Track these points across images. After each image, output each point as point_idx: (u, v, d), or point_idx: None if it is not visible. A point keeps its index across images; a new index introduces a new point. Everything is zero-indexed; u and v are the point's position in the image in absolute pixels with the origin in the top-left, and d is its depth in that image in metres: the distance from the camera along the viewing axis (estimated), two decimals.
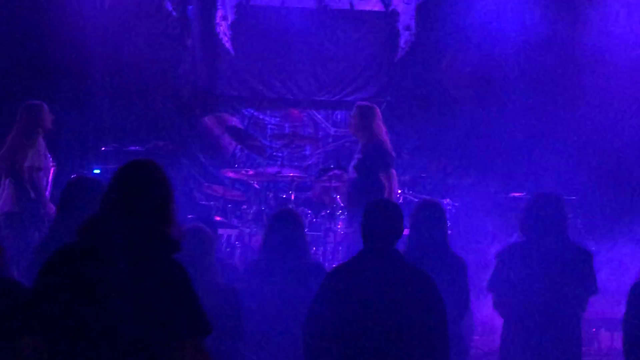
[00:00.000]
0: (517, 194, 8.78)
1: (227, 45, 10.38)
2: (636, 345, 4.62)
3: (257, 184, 8.91)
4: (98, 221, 3.17)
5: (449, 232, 7.18)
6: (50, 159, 7.53)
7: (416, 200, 8.47)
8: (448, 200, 8.65)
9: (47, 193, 7.38)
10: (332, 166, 9.76)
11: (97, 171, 8.43)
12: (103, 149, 8.98)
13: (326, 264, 7.99)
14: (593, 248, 8.93)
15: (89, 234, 3.16)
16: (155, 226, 3.17)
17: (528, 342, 5.11)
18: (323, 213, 8.69)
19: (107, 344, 3.05)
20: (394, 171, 7.55)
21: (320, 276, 4.72)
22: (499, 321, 5.48)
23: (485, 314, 6.55)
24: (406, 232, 4.90)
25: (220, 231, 8.07)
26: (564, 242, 5.21)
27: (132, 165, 3.28)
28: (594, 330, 7.23)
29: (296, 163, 10.27)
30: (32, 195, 7.19)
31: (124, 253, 3.10)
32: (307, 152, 10.62)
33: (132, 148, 8.96)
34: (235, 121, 10.48)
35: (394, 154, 7.64)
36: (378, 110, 7.72)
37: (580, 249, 5.30)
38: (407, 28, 10.55)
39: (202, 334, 3.21)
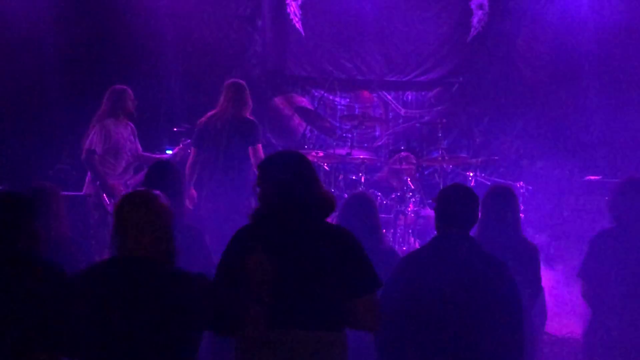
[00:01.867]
0: (593, 177, 8.58)
1: (298, 25, 10.35)
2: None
3: (327, 165, 8.88)
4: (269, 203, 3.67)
5: (522, 216, 7.08)
6: (136, 143, 7.62)
7: (489, 183, 8.35)
8: (521, 183, 8.49)
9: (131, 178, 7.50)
10: (402, 148, 9.69)
11: (169, 152, 8.50)
12: (175, 129, 9.06)
13: (396, 247, 7.94)
14: None
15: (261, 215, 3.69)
16: (316, 195, 3.69)
17: (618, 334, 4.97)
18: (393, 195, 8.63)
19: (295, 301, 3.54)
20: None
21: (394, 261, 4.70)
22: (573, 306, 5.37)
23: (560, 299, 6.43)
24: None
25: None
26: None
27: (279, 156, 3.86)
28: None
29: (366, 144, 10.21)
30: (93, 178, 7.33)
31: (298, 223, 3.63)
32: (377, 134, 10.56)
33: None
34: (305, 102, 10.49)
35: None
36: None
37: None
38: (480, 7, 10.36)
39: (374, 291, 3.64)
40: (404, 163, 8.84)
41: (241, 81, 7.67)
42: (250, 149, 7.23)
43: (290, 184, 3.66)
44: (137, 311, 3.30)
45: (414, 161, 8.92)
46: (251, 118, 7.42)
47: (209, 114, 7.48)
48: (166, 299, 3.34)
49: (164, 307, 3.32)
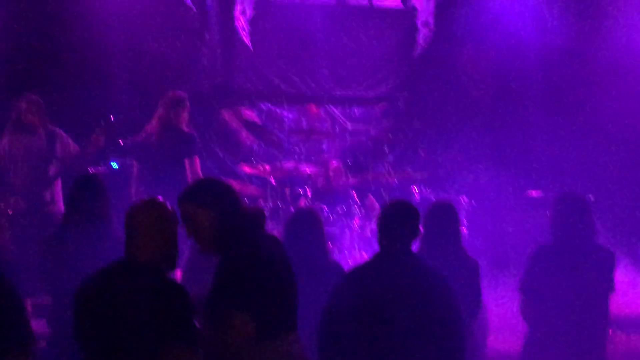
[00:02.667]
0: (534, 193, 8.74)
1: (246, 40, 10.38)
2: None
3: (273, 179, 8.91)
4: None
5: (465, 231, 7.18)
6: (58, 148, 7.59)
7: (433, 198, 8.47)
8: (465, 197, 8.62)
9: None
10: (348, 161, 9.77)
11: (114, 164, 8.46)
12: (121, 141, 9.01)
13: (343, 261, 8.00)
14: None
15: None
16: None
17: (555, 346, 5.08)
18: (339, 209, 8.69)
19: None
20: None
21: (339, 275, 4.78)
22: (516, 322, 5.46)
23: (502, 315, 6.52)
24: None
25: None
26: (591, 243, 5.19)
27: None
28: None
29: (313, 158, 10.27)
30: None
31: None
32: (324, 147, 10.62)
33: None
34: (252, 115, 10.50)
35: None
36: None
37: (604, 249, 5.28)
38: (426, 24, 10.51)
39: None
40: (350, 177, 8.92)
41: (180, 93, 7.68)
42: (186, 161, 7.27)
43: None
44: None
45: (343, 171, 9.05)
46: (188, 130, 7.45)
47: (148, 127, 7.49)
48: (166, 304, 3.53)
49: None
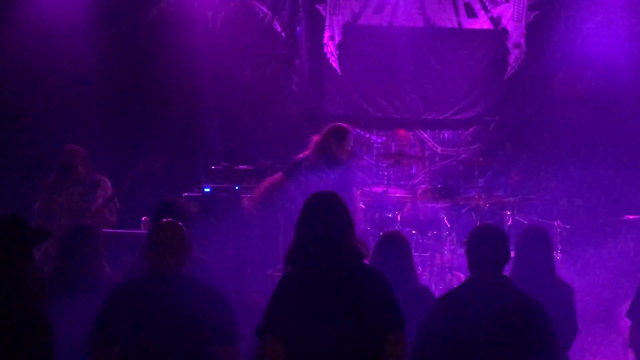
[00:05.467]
0: (630, 217, 8.50)
1: (335, 65, 10.46)
2: None
3: (363, 203, 8.91)
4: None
5: (559, 256, 7.01)
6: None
7: (525, 222, 8.32)
8: (558, 222, 8.44)
9: None
10: (439, 186, 9.70)
11: (207, 190, 8.60)
12: (213, 167, 9.17)
13: (433, 286, 7.92)
14: None
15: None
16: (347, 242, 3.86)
17: None
18: (429, 234, 8.63)
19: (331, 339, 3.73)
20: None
21: (427, 300, 4.76)
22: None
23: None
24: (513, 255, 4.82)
25: None
26: None
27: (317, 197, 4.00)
28: None
29: (402, 182, 10.23)
30: None
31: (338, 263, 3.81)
32: (414, 171, 10.57)
33: (241, 167, 9.13)
34: None
35: None
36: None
37: None
38: (517, 46, 10.38)
39: (400, 328, 3.82)
40: (440, 201, 8.85)
41: (341, 125, 7.88)
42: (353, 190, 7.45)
43: (333, 226, 3.83)
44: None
45: (437, 195, 8.97)
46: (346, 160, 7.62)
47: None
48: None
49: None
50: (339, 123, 8.08)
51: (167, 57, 9.93)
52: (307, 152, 7.83)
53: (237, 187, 8.59)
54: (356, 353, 3.72)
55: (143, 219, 7.93)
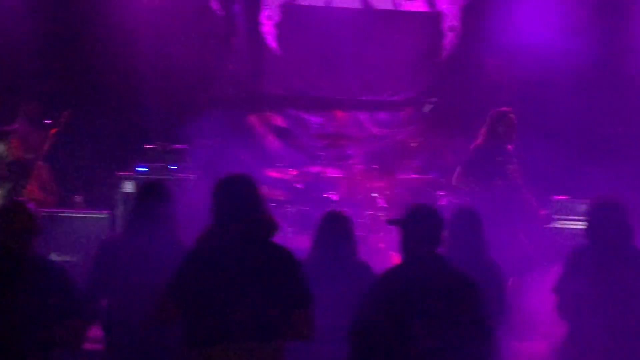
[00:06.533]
0: (558, 197, 8.69)
1: (273, 44, 10.44)
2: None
3: (299, 183, 8.94)
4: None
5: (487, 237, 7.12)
6: None
7: (458, 202, 8.45)
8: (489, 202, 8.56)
9: None
10: (374, 166, 9.78)
11: (142, 169, 8.53)
12: (148, 146, 9.10)
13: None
14: None
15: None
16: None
17: (596, 347, 5.05)
18: (365, 214, 8.70)
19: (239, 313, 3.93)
20: None
21: (368, 275, 4.90)
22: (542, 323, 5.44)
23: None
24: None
25: None
26: (628, 246, 5.17)
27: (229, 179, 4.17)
28: None
29: (339, 163, 10.27)
30: None
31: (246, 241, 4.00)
32: (350, 152, 10.62)
33: (177, 146, 9.08)
34: (279, 120, 10.54)
35: None
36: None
37: None
38: (452, 29, 10.50)
39: (309, 306, 4.07)
40: (375, 180, 8.93)
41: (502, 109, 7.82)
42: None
43: (241, 206, 4.03)
44: None
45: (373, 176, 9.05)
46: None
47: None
48: None
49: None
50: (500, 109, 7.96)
51: (102, 35, 9.78)
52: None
53: (171, 167, 8.53)
54: (263, 327, 3.95)
55: (76, 197, 7.83)
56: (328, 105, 10.63)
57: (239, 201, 4.06)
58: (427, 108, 10.20)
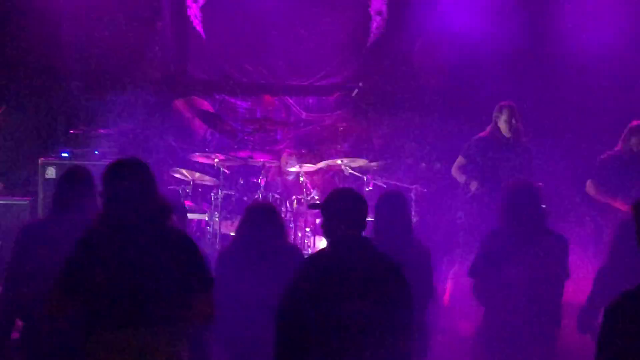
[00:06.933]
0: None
1: (199, 28, 10.32)
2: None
3: (227, 168, 8.88)
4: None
5: (417, 218, 7.22)
6: None
7: (385, 186, 8.51)
8: (417, 186, 8.67)
9: None
10: (303, 151, 9.77)
11: (65, 154, 8.37)
12: (72, 132, 8.93)
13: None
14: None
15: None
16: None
17: (509, 329, 5.15)
18: (293, 198, 8.70)
19: (135, 298, 3.92)
20: None
21: (297, 259, 4.95)
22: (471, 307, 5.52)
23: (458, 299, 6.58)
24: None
25: (190, 216, 8.07)
26: (541, 229, 5.27)
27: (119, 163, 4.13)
28: None
29: (267, 147, 10.25)
30: None
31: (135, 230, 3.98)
32: (279, 137, 10.61)
33: (102, 131, 8.93)
34: (206, 105, 10.45)
35: None
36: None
37: (556, 234, 5.36)
38: (379, 13, 10.53)
39: (209, 289, 4.09)
40: (302, 165, 8.94)
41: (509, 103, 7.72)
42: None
43: (132, 190, 4.01)
44: None
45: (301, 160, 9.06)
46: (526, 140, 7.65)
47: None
48: None
49: None
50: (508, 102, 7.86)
51: (24, 17, 9.52)
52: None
53: (96, 152, 8.40)
54: (162, 311, 3.95)
55: None
56: (256, 90, 10.58)
57: (129, 186, 4.02)
58: (355, 92, 10.21)
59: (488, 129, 7.70)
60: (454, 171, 7.79)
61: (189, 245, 4.10)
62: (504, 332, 5.18)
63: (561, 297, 5.29)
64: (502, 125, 7.59)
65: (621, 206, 7.31)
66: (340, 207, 4.20)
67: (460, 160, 7.77)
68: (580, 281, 6.21)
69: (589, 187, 7.63)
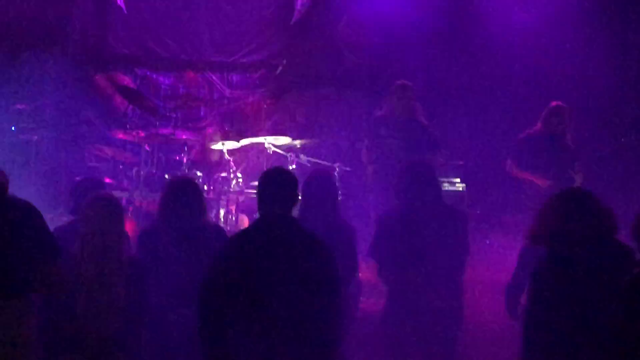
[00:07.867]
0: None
1: (120, 2, 10.11)
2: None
3: (148, 145, 8.76)
4: None
5: (340, 198, 7.26)
6: None
7: (308, 164, 8.53)
8: (339, 164, 8.71)
9: None
10: (226, 128, 9.71)
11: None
12: None
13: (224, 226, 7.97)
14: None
15: None
16: None
17: (410, 307, 5.22)
18: (216, 176, 8.65)
19: None
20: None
21: (219, 237, 4.93)
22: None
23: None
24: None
25: None
26: (439, 205, 5.34)
27: None
28: None
29: (190, 124, 10.15)
30: None
31: None
32: (202, 114, 10.51)
33: (19, 106, 8.73)
34: (127, 81, 10.28)
35: None
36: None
37: (456, 211, 5.45)
38: None
39: (57, 258, 4.13)
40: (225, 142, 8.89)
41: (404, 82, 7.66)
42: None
43: None
44: None
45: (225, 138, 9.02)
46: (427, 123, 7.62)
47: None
48: None
49: None
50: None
51: None
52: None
53: (13, 129, 8.21)
54: (6, 282, 3.99)
55: None
56: (178, 66, 10.45)
57: None
58: (279, 70, 10.18)
59: (384, 107, 7.74)
60: (363, 154, 7.86)
61: (31, 214, 4.13)
62: (408, 308, 5.25)
63: (462, 273, 5.36)
64: (396, 104, 7.66)
65: (541, 182, 7.49)
66: (269, 185, 4.23)
67: (366, 142, 7.84)
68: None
69: (509, 166, 7.79)
